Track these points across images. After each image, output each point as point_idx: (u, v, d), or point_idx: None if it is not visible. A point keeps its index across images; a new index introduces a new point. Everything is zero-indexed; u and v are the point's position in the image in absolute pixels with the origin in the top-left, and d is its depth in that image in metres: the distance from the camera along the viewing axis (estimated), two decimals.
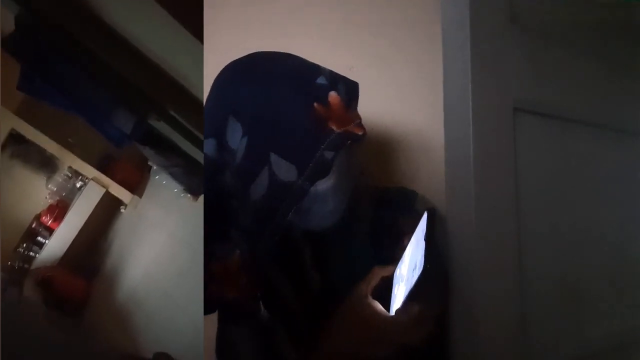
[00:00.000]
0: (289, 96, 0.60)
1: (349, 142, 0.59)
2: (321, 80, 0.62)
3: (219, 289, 0.65)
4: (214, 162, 0.62)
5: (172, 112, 1.34)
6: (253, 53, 0.66)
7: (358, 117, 0.63)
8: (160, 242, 2.30)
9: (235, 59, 0.67)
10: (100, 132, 1.54)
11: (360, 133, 0.60)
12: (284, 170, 0.58)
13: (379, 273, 0.64)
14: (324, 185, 0.61)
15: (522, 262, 0.59)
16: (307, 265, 0.71)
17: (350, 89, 0.64)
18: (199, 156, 1.55)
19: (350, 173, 0.65)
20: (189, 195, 2.10)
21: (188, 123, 1.36)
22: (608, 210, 0.76)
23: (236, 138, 0.60)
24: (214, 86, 0.65)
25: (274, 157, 0.58)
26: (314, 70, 0.63)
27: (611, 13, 0.77)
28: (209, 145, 0.63)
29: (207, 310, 0.68)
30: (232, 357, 0.73)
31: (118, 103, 1.36)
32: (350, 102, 0.64)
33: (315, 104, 0.59)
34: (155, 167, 2.36)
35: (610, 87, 0.76)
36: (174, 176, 1.87)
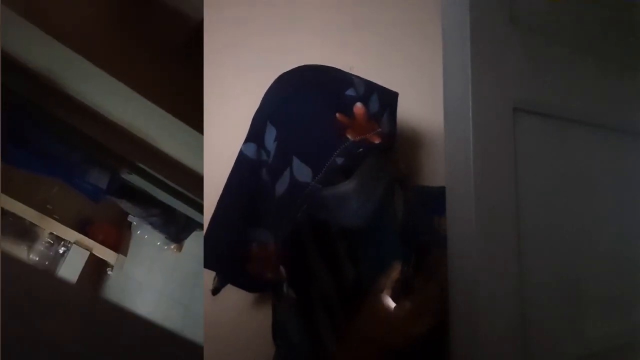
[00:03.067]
0: (316, 106, 0.66)
1: (361, 150, 0.64)
2: (350, 92, 0.68)
3: (259, 269, 0.74)
4: (253, 161, 0.72)
5: (141, 165, 1.48)
6: (301, 65, 0.74)
7: (378, 127, 0.68)
8: (151, 301, 2.27)
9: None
10: (78, 191, 1.62)
11: (376, 142, 0.65)
12: (302, 172, 0.65)
13: (397, 267, 0.68)
14: (345, 187, 0.67)
15: (522, 262, 0.59)
16: (342, 257, 0.77)
17: (385, 99, 0.72)
18: (174, 204, 1.69)
19: (377, 176, 0.70)
20: (172, 246, 2.14)
21: (158, 174, 1.48)
22: (608, 210, 0.76)
23: (270, 140, 0.68)
24: (264, 96, 0.73)
25: (295, 160, 0.65)
26: (347, 82, 0.70)
27: (611, 13, 0.77)
28: (250, 148, 0.72)
29: (249, 289, 0.81)
30: (282, 337, 0.81)
31: (92, 162, 1.52)
32: (383, 111, 0.71)
33: (337, 114, 0.65)
34: (135, 223, 2.43)
35: (610, 87, 0.76)
36: (154, 226, 1.93)
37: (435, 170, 0.93)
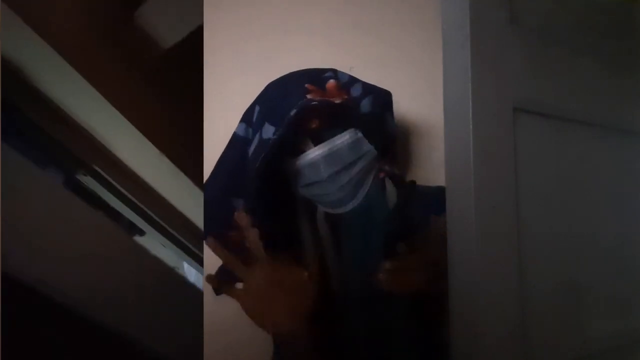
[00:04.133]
0: (294, 83, 0.73)
1: (315, 103, 0.68)
2: (328, 74, 0.75)
3: (239, 235, 0.75)
4: (242, 138, 0.78)
5: (97, 169, 1.48)
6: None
7: (346, 96, 0.73)
8: None
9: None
10: None
11: (336, 102, 0.69)
12: (267, 131, 0.71)
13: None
14: (313, 153, 0.71)
15: (522, 262, 0.59)
16: (324, 240, 0.79)
17: (381, 100, 0.76)
18: (121, 209, 1.68)
19: (354, 153, 0.73)
20: None
21: (112, 179, 1.49)
22: (608, 210, 0.76)
23: (255, 118, 0.76)
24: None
25: (265, 125, 0.72)
26: (329, 70, 0.77)
27: (611, 13, 0.77)
28: (240, 127, 0.79)
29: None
30: None
31: (49, 161, 1.49)
32: (382, 112, 0.76)
33: (307, 84, 0.71)
34: None
35: (610, 87, 0.76)
36: None
37: (435, 170, 0.93)
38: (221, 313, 0.91)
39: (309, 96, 0.69)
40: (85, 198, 1.71)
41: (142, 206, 1.54)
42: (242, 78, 0.93)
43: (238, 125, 0.79)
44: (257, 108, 0.76)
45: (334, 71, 0.77)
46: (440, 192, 0.60)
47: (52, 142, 1.39)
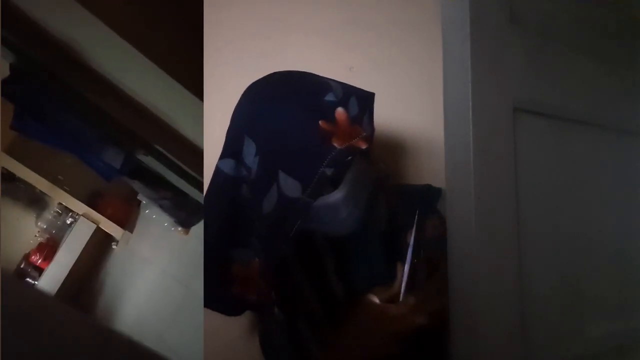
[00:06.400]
0: (297, 115, 0.63)
1: (350, 157, 0.62)
2: (330, 97, 0.65)
3: (243, 290, 0.71)
4: (232, 178, 0.67)
5: (158, 147, 1.44)
6: (271, 73, 0.70)
7: (362, 131, 0.65)
8: (153, 279, 2.27)
9: (254, 78, 0.71)
10: (91, 168, 1.60)
11: (363, 147, 0.63)
12: (290, 186, 0.62)
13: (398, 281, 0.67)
14: (334, 197, 0.65)
15: (522, 262, 0.59)
16: (329, 271, 0.75)
17: (363, 101, 0.68)
18: (186, 188, 1.68)
19: (363, 182, 0.68)
20: (179, 228, 2.13)
21: (174, 157, 1.46)
22: (608, 210, 0.76)
23: (251, 155, 0.64)
24: (235, 108, 0.69)
25: (281, 175, 0.62)
26: (324, 87, 0.66)
27: (611, 13, 0.77)
28: (227, 164, 0.67)
29: (232, 313, 0.74)
30: (271, 354, 0.79)
31: (107, 140, 1.49)
32: (363, 114, 0.67)
33: (320, 122, 0.62)
34: (144, 202, 2.43)
35: (610, 87, 0.76)
36: (164, 209, 1.92)
37: (435, 170, 0.93)
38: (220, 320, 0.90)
39: (335, 144, 0.61)
40: (146, 178, 1.69)
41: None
42: (242, 78, 0.92)
43: (222, 162, 0.68)
44: (248, 141, 0.64)
45: (327, 85, 0.67)
46: (425, 191, 0.59)
47: (110, 121, 1.36)
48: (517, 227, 0.59)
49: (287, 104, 0.64)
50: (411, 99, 0.91)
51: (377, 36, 0.95)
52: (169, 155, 1.47)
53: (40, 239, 2.61)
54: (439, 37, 0.60)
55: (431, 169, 0.93)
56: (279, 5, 0.97)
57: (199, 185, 1.57)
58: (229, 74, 0.95)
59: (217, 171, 0.69)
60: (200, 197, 1.65)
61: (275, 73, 0.70)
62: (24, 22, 1.06)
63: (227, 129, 0.69)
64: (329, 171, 0.61)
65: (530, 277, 0.61)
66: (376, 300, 0.66)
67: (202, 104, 0.91)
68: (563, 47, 0.68)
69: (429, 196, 0.77)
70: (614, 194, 0.77)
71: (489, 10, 0.59)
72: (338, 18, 0.96)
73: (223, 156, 0.68)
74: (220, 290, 0.71)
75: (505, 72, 0.60)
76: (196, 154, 1.32)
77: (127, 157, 1.53)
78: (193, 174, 1.49)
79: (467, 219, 0.56)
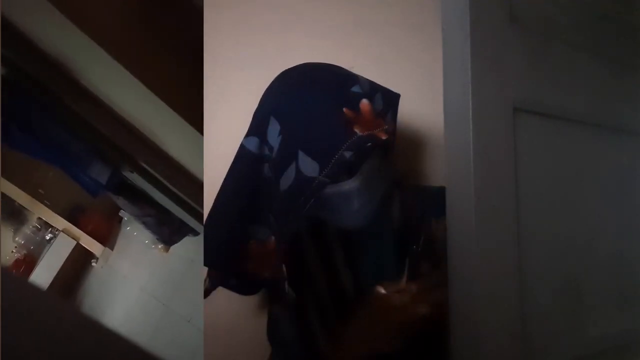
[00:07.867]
0: (322, 100, 0.65)
1: (369, 144, 0.62)
2: (356, 88, 0.67)
3: (258, 267, 0.73)
4: (255, 155, 0.69)
5: (143, 164, 1.46)
6: (302, 63, 0.72)
7: (385, 124, 0.67)
8: (132, 297, 2.24)
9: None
10: (77, 182, 1.59)
11: (383, 137, 0.64)
12: (308, 166, 0.63)
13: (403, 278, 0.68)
14: (348, 185, 0.66)
15: (522, 262, 0.59)
16: (339, 263, 0.76)
17: (388, 99, 0.71)
18: (170, 206, 1.66)
19: (379, 178, 0.69)
20: (160, 246, 2.12)
21: (159, 175, 1.48)
22: (608, 210, 0.76)
23: (274, 135, 0.67)
24: (265, 91, 0.72)
25: (301, 154, 0.63)
26: (352, 79, 0.68)
27: (611, 12, 0.77)
28: (252, 142, 0.69)
29: (247, 291, 0.78)
30: (277, 336, 0.80)
31: (95, 155, 1.49)
32: (387, 111, 0.70)
33: (344, 109, 0.64)
34: (126, 218, 2.41)
35: (610, 87, 0.76)
36: (147, 226, 1.92)
37: (436, 170, 0.93)
38: (220, 314, 0.91)
39: (357, 131, 0.63)
40: (131, 195, 1.68)
41: (195, 205, 1.52)
42: (242, 78, 0.93)
43: (247, 139, 0.70)
44: (274, 122, 0.67)
45: (355, 78, 0.69)
46: (440, 193, 0.60)
47: (99, 136, 1.35)
48: (517, 227, 0.59)
49: (314, 90, 0.66)
50: (411, 99, 0.91)
51: (377, 36, 0.95)
52: (153, 172, 1.49)
53: (17, 255, 2.51)
54: (439, 37, 0.60)
55: (431, 169, 0.93)
56: (280, 5, 0.97)
57: (181, 202, 1.58)
58: (229, 76, 0.95)
59: (242, 148, 0.70)
60: (183, 215, 1.65)
61: (306, 63, 0.72)
62: (17, 36, 1.07)
63: (254, 110, 0.72)
64: (347, 154, 0.62)
65: (530, 277, 0.61)
66: (382, 290, 0.67)
67: (190, 126, 0.92)
68: (563, 46, 0.68)
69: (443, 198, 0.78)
70: (614, 194, 0.77)
71: (489, 10, 0.59)
72: (339, 18, 0.96)
73: (249, 134, 0.70)
74: (237, 267, 0.73)
75: (505, 72, 0.60)
76: (182, 172, 1.35)
77: (113, 172, 1.53)
78: (176, 191, 1.51)
79: (467, 219, 0.56)
